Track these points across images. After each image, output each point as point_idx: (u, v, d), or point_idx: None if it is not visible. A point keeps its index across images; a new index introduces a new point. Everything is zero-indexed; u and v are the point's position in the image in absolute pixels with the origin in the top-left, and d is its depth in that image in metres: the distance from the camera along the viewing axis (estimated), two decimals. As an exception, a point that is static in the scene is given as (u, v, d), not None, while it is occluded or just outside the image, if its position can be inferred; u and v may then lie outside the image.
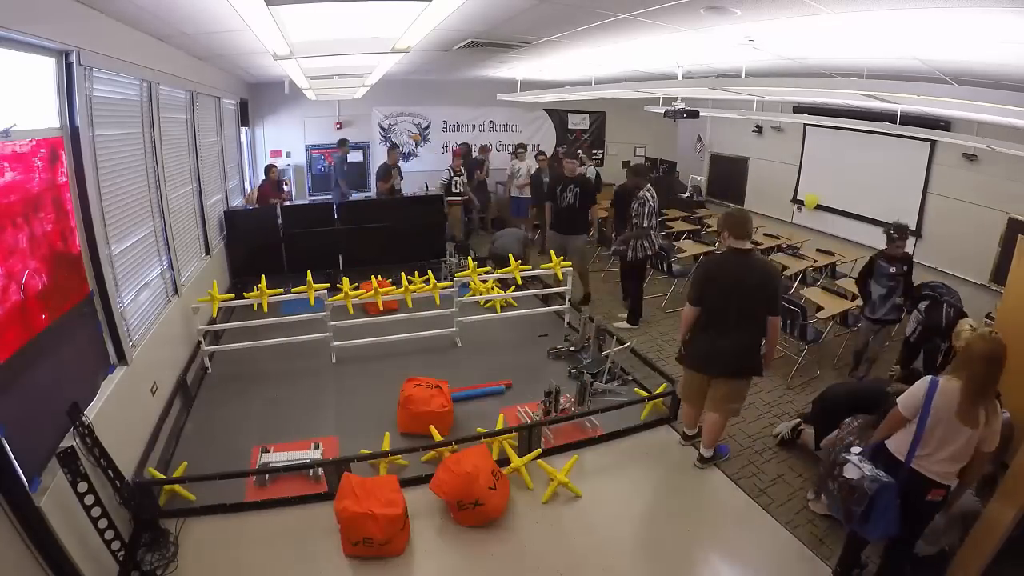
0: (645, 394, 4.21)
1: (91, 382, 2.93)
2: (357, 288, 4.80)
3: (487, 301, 5.75)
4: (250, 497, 3.23)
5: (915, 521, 2.46)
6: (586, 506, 3.27)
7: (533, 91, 7.47)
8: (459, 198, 7.82)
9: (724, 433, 4.01)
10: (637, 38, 3.92)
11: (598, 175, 8.82)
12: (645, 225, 5.34)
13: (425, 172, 9.25)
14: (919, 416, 2.35)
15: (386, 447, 3.52)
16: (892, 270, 4.32)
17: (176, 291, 4.44)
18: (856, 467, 2.47)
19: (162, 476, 3.23)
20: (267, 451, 3.55)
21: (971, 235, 5.79)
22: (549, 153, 8.67)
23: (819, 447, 3.58)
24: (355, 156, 9.10)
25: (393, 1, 2.66)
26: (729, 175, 9.35)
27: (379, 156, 9.02)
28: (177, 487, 3.19)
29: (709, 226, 8.08)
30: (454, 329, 5.16)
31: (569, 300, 5.65)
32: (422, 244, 7.26)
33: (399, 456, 3.48)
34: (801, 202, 8.09)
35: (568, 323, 5.68)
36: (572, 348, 5.04)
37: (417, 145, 9.62)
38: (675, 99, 5.59)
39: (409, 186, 8.66)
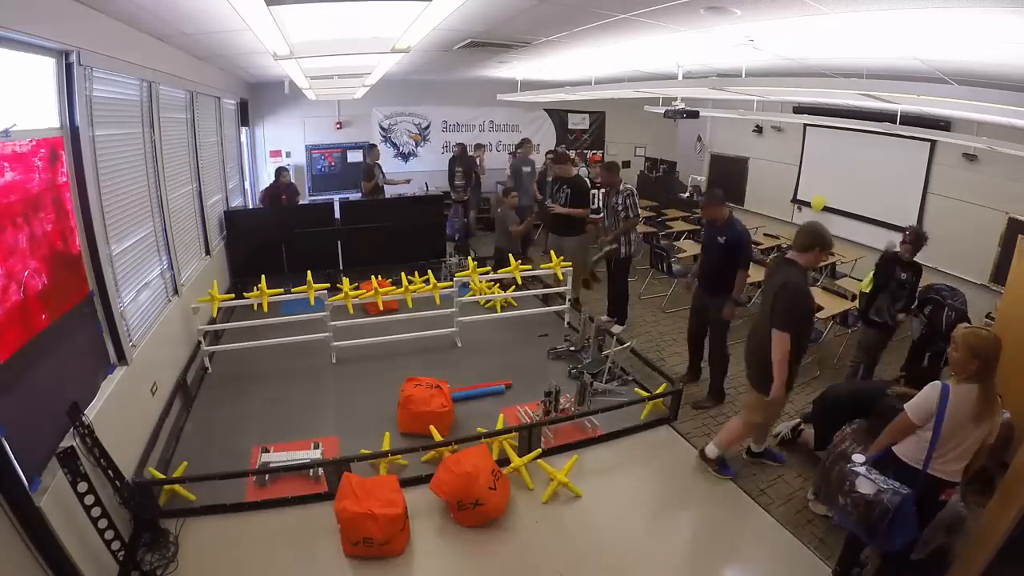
0: (645, 394, 4.21)
1: (91, 382, 2.93)
2: (357, 288, 4.80)
3: (487, 301, 5.75)
4: (250, 497, 3.23)
5: (924, 523, 2.46)
6: (586, 506, 3.27)
7: (533, 91, 7.47)
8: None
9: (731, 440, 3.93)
10: (637, 38, 3.92)
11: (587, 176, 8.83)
12: (638, 213, 5.41)
13: (425, 172, 9.25)
14: (934, 422, 2.30)
15: (386, 447, 3.52)
16: (903, 276, 4.13)
17: (176, 291, 4.44)
18: (869, 480, 2.39)
19: (162, 476, 3.23)
20: (267, 451, 3.55)
21: (971, 235, 5.79)
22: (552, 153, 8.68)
23: (819, 447, 3.58)
24: (355, 156, 9.11)
25: (393, 1, 2.66)
26: (729, 175, 9.34)
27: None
28: (177, 487, 3.20)
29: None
30: (454, 329, 5.16)
31: (569, 300, 5.65)
32: (422, 244, 7.27)
33: (399, 456, 3.48)
34: (801, 202, 8.09)
35: (568, 323, 5.68)
36: (572, 348, 5.04)
37: (417, 145, 9.62)
38: (675, 99, 5.58)
39: (409, 186, 8.65)
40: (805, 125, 7.70)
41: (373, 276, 5.01)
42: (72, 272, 2.80)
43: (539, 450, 3.59)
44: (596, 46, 4.47)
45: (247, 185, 8.24)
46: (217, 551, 2.90)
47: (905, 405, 2.43)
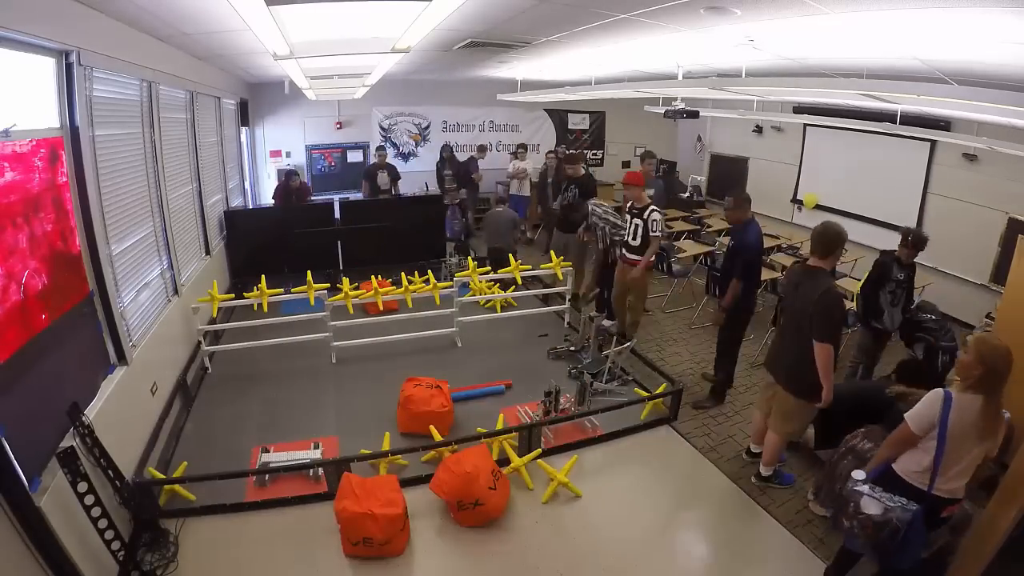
0: (645, 394, 4.21)
1: (91, 382, 2.93)
2: (357, 288, 4.80)
3: (487, 301, 5.75)
4: (250, 497, 3.24)
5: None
6: (586, 506, 3.28)
7: (533, 91, 7.47)
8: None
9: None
10: (637, 38, 3.92)
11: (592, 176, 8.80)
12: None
13: (425, 172, 9.24)
14: (936, 436, 2.20)
15: (386, 447, 3.52)
16: (900, 276, 4.11)
17: (176, 291, 4.44)
18: (875, 500, 2.27)
19: (162, 476, 3.23)
20: (267, 451, 3.55)
21: (971, 235, 5.79)
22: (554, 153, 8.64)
23: (819, 447, 3.58)
24: (355, 156, 9.10)
25: (393, 1, 2.66)
26: (729, 175, 9.35)
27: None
28: (177, 487, 3.20)
29: (709, 226, 8.08)
30: (454, 329, 5.16)
31: (569, 299, 5.64)
32: (422, 244, 7.26)
33: (399, 456, 3.48)
34: (801, 202, 8.09)
35: (568, 323, 5.68)
36: (572, 348, 5.04)
37: (417, 145, 9.62)
38: (675, 99, 5.58)
39: (409, 186, 8.64)
40: (805, 125, 7.71)
41: (373, 276, 5.01)
42: (72, 272, 2.80)
43: (539, 450, 3.59)
44: (596, 46, 4.47)
45: (247, 185, 8.24)
46: (217, 551, 2.90)
47: (905, 415, 2.33)
